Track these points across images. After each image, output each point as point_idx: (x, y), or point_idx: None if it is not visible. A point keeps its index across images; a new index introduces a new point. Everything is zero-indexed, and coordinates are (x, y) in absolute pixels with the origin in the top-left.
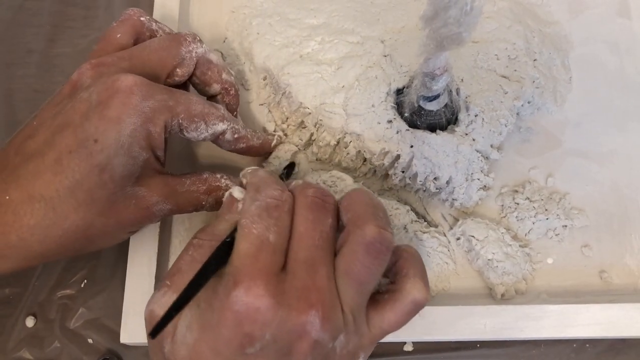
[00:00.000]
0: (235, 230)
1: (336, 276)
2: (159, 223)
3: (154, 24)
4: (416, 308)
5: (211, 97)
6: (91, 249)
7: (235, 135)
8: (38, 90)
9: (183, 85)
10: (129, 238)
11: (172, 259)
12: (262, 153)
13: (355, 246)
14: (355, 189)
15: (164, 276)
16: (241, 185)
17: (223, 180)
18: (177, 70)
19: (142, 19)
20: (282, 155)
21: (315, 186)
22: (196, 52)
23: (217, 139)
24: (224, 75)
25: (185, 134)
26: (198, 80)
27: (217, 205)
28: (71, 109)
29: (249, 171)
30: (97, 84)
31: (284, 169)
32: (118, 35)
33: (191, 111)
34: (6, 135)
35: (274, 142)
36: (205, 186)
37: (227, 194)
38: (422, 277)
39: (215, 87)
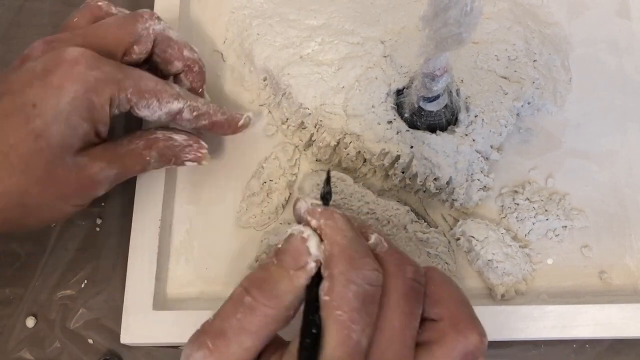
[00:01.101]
0: (315, 315)
1: None
2: (159, 224)
3: (113, 8)
4: (468, 357)
5: (176, 76)
6: (31, 222)
7: (195, 113)
8: None
9: (143, 65)
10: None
11: (172, 259)
12: (229, 131)
13: (453, 353)
14: (438, 273)
15: (205, 329)
16: (298, 218)
17: (159, 132)
18: (135, 47)
19: (99, 4)
20: (281, 157)
21: (412, 262)
22: (153, 29)
23: (174, 118)
24: (186, 52)
25: (137, 111)
26: (159, 59)
27: (161, 159)
28: (15, 77)
29: (319, 210)
30: (45, 55)
31: (325, 185)
32: (75, 19)
33: (141, 86)
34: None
35: (242, 121)
36: (142, 140)
37: (293, 233)
38: (464, 311)
39: (177, 65)
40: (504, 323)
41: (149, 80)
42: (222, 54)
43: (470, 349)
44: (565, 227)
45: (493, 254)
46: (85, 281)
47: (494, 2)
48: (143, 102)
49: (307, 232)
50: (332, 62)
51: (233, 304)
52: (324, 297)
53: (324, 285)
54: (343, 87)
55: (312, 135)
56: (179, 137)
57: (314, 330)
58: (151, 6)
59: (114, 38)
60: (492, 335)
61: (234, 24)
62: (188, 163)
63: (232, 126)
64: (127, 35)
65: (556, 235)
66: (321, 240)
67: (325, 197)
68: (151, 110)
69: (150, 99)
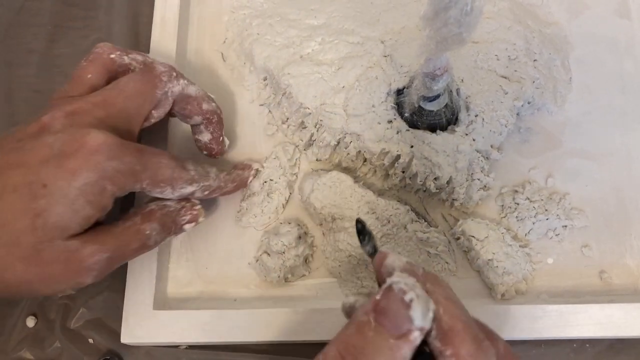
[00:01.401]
0: None
1: None
2: None
3: (125, 57)
4: None
5: (194, 126)
6: (6, 295)
7: (206, 192)
8: (38, 90)
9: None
10: None
11: (173, 259)
12: (239, 189)
13: None
14: (448, 306)
15: None
16: (387, 274)
17: (152, 204)
18: (153, 112)
19: (112, 56)
20: (281, 156)
21: (500, 340)
22: (172, 92)
23: (185, 197)
24: (205, 106)
25: (148, 194)
26: (178, 115)
27: (163, 229)
28: (31, 150)
29: (420, 271)
30: (65, 132)
31: (366, 240)
32: (89, 76)
33: (157, 177)
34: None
35: (251, 178)
36: (138, 216)
37: (393, 287)
38: (469, 333)
39: (197, 119)
40: (504, 323)
41: (166, 169)
42: (222, 54)
43: None
44: (566, 226)
45: (493, 253)
46: None
47: (494, 1)
48: (157, 190)
49: (410, 294)
50: (332, 62)
51: None
52: None
53: None
54: (343, 87)
55: (312, 134)
56: (172, 203)
57: None
58: (151, 6)
59: (135, 107)
60: None
61: (234, 24)
62: (187, 226)
63: (242, 187)
64: (148, 104)
65: (556, 235)
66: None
67: (370, 255)
68: (164, 194)
69: (165, 188)
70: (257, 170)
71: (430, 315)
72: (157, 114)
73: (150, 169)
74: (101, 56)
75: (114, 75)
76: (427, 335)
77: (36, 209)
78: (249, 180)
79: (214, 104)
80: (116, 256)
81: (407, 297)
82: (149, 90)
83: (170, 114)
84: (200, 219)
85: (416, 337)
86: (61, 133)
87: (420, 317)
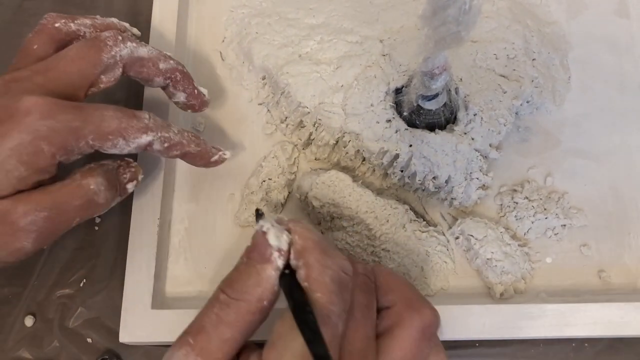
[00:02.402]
0: (301, 295)
1: None
2: (158, 223)
3: (72, 24)
4: (426, 331)
5: (165, 90)
6: None
7: (166, 144)
8: None
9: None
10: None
11: (171, 258)
12: (200, 163)
13: (412, 331)
14: (383, 267)
15: (186, 330)
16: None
17: (93, 164)
18: (102, 77)
19: (57, 25)
20: (280, 155)
21: (359, 260)
22: (120, 55)
23: (145, 150)
24: (162, 65)
25: (104, 151)
26: (138, 79)
27: (110, 186)
28: None
29: (285, 218)
30: (0, 99)
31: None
32: (35, 47)
33: (103, 130)
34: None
35: (216, 157)
36: (78, 174)
37: (257, 230)
38: (413, 293)
39: (158, 81)
40: (502, 322)
41: (112, 120)
42: (220, 53)
43: (427, 323)
44: (564, 225)
45: (492, 252)
46: (84, 280)
47: (492, 0)
48: (108, 144)
49: (266, 225)
50: (331, 61)
51: (210, 304)
52: (303, 284)
53: (301, 273)
54: (342, 86)
55: (311, 134)
56: (109, 161)
57: (307, 309)
58: (150, 5)
59: (78, 72)
60: (491, 333)
61: (232, 23)
62: (129, 186)
63: (205, 159)
64: (92, 68)
65: (555, 234)
66: (288, 235)
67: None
68: (119, 149)
69: (116, 139)
70: (224, 156)
71: (285, 238)
72: (107, 79)
73: (93, 123)
74: (46, 26)
75: (62, 44)
76: (289, 260)
77: None
78: (212, 158)
79: (172, 61)
80: (56, 215)
81: (264, 229)
82: (93, 54)
83: (131, 78)
84: (140, 177)
85: (275, 258)
86: None
87: (274, 239)
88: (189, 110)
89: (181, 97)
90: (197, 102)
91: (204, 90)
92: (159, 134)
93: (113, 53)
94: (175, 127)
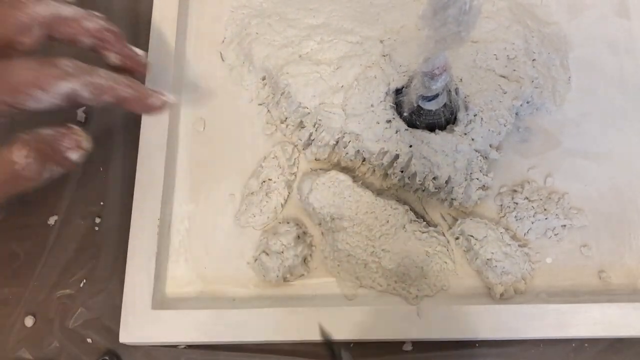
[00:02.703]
0: None
1: None
2: (158, 223)
3: None
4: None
5: (99, 53)
6: None
7: (96, 92)
8: None
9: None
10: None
11: (171, 259)
12: (138, 108)
13: None
14: None
15: None
16: None
17: (22, 135)
18: (23, 39)
19: None
20: (280, 156)
21: None
22: (40, 15)
23: (74, 101)
24: (87, 23)
25: (23, 108)
26: (64, 41)
27: (42, 157)
28: None
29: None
30: None
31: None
32: None
33: (12, 82)
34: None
35: (152, 98)
36: (1, 147)
37: None
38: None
39: (86, 42)
40: (502, 322)
41: (22, 70)
42: (221, 53)
43: None
44: (565, 226)
45: (492, 253)
46: (84, 280)
47: (493, 1)
48: (25, 97)
49: None
50: (331, 61)
51: None
52: None
53: None
54: (342, 86)
55: (311, 134)
56: (46, 129)
57: None
58: (150, 5)
59: None
60: (491, 334)
61: (233, 23)
62: (71, 154)
63: (143, 104)
64: (5, 29)
65: (555, 235)
66: None
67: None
68: (40, 102)
69: (31, 90)
70: (164, 98)
71: None
72: (29, 41)
73: (1, 77)
74: None
75: None
76: None
77: None
78: (149, 100)
79: (101, 21)
80: None
81: None
82: (7, 13)
83: (58, 41)
84: (85, 144)
85: None
86: None
87: None
88: (128, 75)
89: (113, 57)
90: (133, 63)
91: (140, 51)
92: (82, 79)
93: (29, 11)
94: (104, 71)
